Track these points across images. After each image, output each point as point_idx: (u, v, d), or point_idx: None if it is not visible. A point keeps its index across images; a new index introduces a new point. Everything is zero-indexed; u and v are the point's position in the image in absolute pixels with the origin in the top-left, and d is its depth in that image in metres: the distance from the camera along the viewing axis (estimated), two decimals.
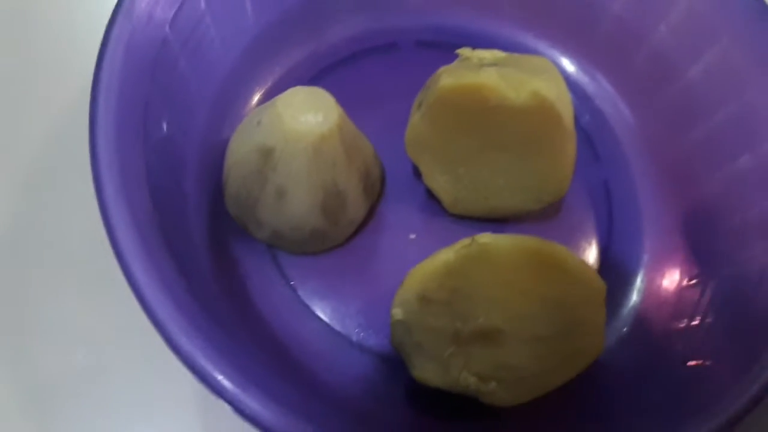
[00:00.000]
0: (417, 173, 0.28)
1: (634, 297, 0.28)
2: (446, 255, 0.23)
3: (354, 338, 0.26)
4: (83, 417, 0.25)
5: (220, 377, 0.16)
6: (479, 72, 0.24)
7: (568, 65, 0.32)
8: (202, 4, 0.24)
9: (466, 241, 0.23)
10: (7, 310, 0.27)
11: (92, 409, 0.26)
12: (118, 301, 0.26)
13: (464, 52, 0.27)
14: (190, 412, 0.26)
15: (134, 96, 0.20)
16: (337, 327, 0.26)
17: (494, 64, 0.25)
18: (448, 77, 0.24)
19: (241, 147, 0.24)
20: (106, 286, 0.27)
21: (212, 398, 0.17)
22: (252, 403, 0.17)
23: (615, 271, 0.28)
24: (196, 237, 0.24)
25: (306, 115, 0.23)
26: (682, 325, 0.26)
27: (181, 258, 0.20)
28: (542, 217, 0.29)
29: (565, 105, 0.25)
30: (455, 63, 0.26)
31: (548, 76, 0.25)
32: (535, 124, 0.24)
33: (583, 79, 0.32)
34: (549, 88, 0.24)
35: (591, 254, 0.29)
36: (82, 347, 0.27)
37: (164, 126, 0.22)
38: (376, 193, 0.28)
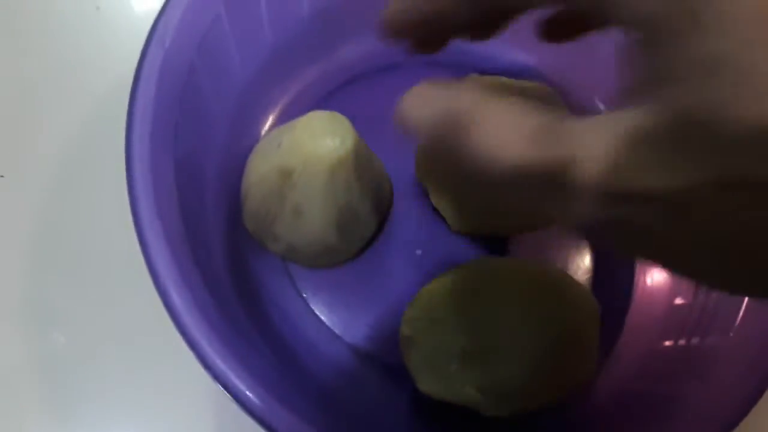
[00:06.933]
0: (424, 190, 0.30)
1: (625, 315, 0.30)
2: (454, 276, 0.24)
3: (362, 349, 0.27)
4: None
5: (251, 395, 0.18)
6: None
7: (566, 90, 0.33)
8: (226, 26, 0.25)
9: (472, 263, 0.24)
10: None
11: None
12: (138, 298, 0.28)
13: (472, 79, 0.28)
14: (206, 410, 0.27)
15: (166, 119, 0.21)
16: (347, 338, 0.27)
17: None
18: None
19: (261, 167, 0.25)
20: (128, 282, 0.28)
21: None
22: (267, 409, 0.18)
23: (607, 287, 0.30)
24: (216, 249, 0.25)
25: (324, 139, 0.24)
26: (669, 344, 0.28)
27: (205, 270, 0.21)
28: (541, 234, 0.30)
29: None
30: None
31: (552, 107, 0.26)
32: None
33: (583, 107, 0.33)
34: None
35: (584, 271, 0.30)
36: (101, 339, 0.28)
37: (189, 146, 0.23)
38: (385, 208, 0.29)
